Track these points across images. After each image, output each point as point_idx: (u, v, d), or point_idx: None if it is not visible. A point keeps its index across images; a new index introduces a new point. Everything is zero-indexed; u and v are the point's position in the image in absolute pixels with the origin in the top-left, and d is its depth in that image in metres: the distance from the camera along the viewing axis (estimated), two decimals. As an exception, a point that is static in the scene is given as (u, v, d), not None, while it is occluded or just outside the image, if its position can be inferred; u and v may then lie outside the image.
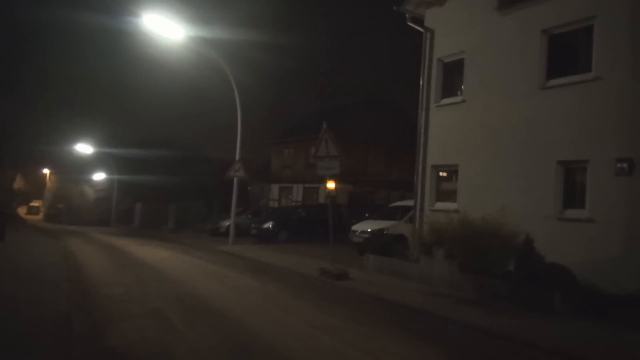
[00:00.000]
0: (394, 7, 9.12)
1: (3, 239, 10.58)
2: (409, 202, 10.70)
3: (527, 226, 7.38)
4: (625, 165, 6.76)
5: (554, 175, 7.52)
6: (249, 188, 23.17)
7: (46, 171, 32.76)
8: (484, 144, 8.44)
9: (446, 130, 9.03)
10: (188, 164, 23.38)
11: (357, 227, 10.58)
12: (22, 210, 34.27)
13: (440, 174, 9.27)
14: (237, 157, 12.09)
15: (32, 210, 35.12)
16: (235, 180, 12.19)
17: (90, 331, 4.67)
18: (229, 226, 13.34)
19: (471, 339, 5.11)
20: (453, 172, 9.00)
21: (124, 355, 4.24)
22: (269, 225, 13.50)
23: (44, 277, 6.63)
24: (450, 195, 8.93)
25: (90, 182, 26.74)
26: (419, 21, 9.36)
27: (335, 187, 8.50)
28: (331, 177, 8.43)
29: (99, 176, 26.21)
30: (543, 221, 7.35)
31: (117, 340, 4.53)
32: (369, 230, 10.25)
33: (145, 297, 5.98)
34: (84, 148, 23.64)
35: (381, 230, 10.05)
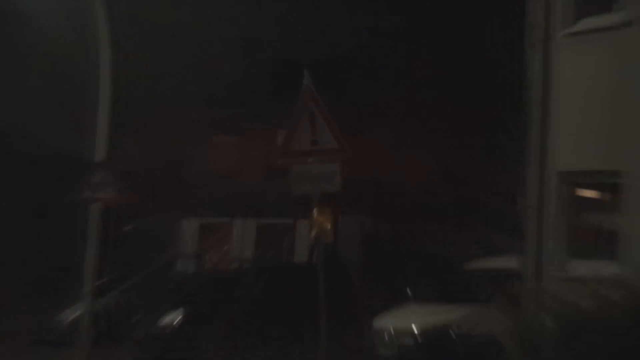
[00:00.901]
0: None
1: None
2: (502, 261, 10.76)
3: None
4: None
5: None
6: (126, 228, 23.96)
7: None
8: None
9: (590, 91, 9.01)
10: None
11: (389, 324, 10.72)
12: None
13: (581, 193, 9.22)
14: (98, 154, 12.19)
15: None
16: (95, 208, 12.15)
17: None
18: (80, 318, 12.65)
19: None
20: (609, 189, 8.93)
21: None
22: (178, 317, 13.47)
23: None
24: (602, 244, 8.88)
25: None
26: None
27: (333, 221, 8.95)
28: (323, 201, 8.47)
29: None
30: None
31: None
32: (414, 329, 10.32)
33: None
34: None
35: (443, 329, 10.07)
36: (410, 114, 20.87)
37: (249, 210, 22.24)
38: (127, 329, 13.59)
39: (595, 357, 7.57)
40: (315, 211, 8.46)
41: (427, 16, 19.95)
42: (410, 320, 10.69)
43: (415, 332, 10.37)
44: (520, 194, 9.39)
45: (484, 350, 9.33)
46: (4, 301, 17.34)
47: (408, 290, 12.86)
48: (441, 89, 20.71)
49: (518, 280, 9.43)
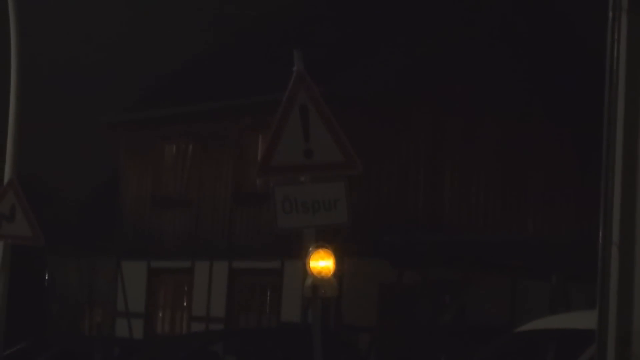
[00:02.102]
0: None
1: None
2: (575, 318, 11.18)
3: None
4: None
5: None
6: (47, 277, 23.93)
7: None
8: None
9: None
10: None
11: None
12: None
13: None
14: (9, 173, 12.92)
15: None
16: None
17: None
18: None
19: None
20: None
21: None
22: None
23: None
24: None
25: None
26: None
27: (338, 267, 8.82)
28: (323, 237, 8.66)
29: None
30: None
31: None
32: None
33: None
34: None
35: None
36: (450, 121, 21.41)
37: (217, 250, 22.30)
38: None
39: None
40: (310, 251, 8.51)
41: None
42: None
43: None
44: (600, 228, 9.59)
45: None
46: None
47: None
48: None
49: (596, 343, 9.67)
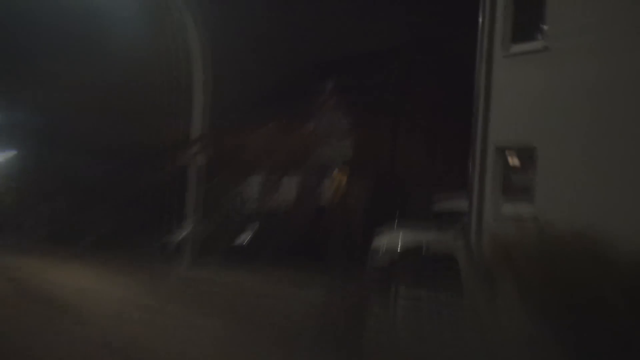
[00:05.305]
0: None
1: None
2: (459, 204, 15.55)
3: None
4: None
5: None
6: (209, 184, 30.43)
7: None
8: (578, 116, 14.18)
9: (518, 94, 15.04)
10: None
11: (382, 243, 16.66)
12: None
13: (510, 160, 15.24)
14: (197, 129, 18.87)
15: None
16: (191, 169, 19.17)
17: None
18: (185, 239, 22.68)
19: None
20: (528, 158, 15.02)
21: None
22: (248, 235, 21.18)
23: None
24: (524, 195, 14.50)
25: None
26: None
27: (345, 181, 12.50)
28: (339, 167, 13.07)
29: None
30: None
31: None
32: (398, 248, 16.06)
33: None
34: None
35: (418, 247, 15.66)
36: (406, 108, 26.26)
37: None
38: (212, 246, 22.79)
39: (510, 264, 12.26)
40: (336, 173, 12.12)
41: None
42: (397, 240, 15.81)
43: (399, 250, 15.81)
44: (470, 161, 14.93)
45: (445, 264, 14.61)
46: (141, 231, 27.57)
47: (397, 220, 17.90)
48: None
49: (467, 216, 15.17)
